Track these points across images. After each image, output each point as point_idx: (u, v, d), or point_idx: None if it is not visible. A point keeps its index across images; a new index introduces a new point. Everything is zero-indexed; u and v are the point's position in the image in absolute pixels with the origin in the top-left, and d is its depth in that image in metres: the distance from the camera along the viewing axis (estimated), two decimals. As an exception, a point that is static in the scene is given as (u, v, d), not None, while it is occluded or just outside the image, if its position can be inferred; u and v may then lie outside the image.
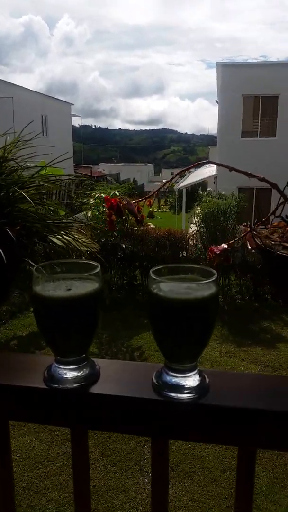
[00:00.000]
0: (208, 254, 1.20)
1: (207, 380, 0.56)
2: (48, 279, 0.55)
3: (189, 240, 7.96)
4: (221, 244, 1.22)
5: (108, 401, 0.54)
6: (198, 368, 0.56)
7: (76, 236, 0.99)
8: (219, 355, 5.58)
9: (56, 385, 0.56)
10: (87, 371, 0.58)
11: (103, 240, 7.54)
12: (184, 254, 7.80)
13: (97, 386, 0.56)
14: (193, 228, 9.71)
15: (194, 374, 0.55)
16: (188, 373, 0.55)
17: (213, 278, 0.52)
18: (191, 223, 11.79)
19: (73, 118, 31.86)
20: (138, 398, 0.53)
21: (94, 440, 3.83)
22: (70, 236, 0.97)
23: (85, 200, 8.21)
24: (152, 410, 0.53)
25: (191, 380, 0.55)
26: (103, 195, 7.61)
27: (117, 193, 7.63)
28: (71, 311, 0.54)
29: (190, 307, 0.51)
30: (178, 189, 17.23)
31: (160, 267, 0.55)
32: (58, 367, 0.57)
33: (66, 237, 0.97)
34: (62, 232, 0.97)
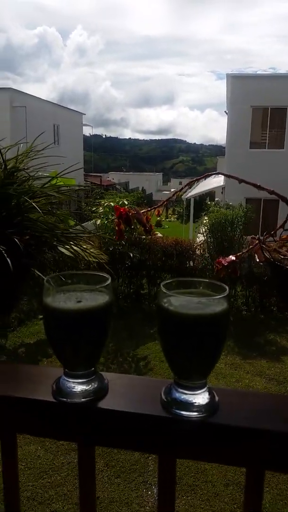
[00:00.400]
0: (216, 266, 1.19)
1: (216, 398, 0.55)
2: (59, 290, 0.55)
3: (196, 250, 7.95)
4: (229, 255, 1.22)
5: (116, 417, 0.53)
6: (207, 385, 0.55)
7: (84, 246, 0.99)
8: (224, 367, 5.53)
9: (64, 399, 0.55)
10: (95, 385, 0.57)
11: (111, 249, 7.56)
12: (191, 263, 7.78)
13: (106, 401, 0.55)
14: (200, 238, 9.70)
15: (203, 391, 0.54)
16: (197, 391, 0.54)
17: (225, 294, 0.52)
18: (199, 233, 11.79)
19: (84, 128, 32.23)
20: (146, 415, 0.52)
21: (98, 450, 3.80)
22: (79, 246, 0.98)
23: (94, 208, 8.25)
24: (160, 427, 0.52)
25: (201, 398, 0.53)
26: (112, 204, 7.64)
27: (126, 202, 7.65)
28: (81, 323, 0.54)
29: (202, 323, 0.50)
30: (186, 198, 17.27)
31: (171, 280, 0.54)
32: (67, 380, 0.57)
33: (75, 247, 0.97)
34: (71, 242, 0.97)
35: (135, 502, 3.36)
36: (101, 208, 7.46)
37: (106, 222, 7.43)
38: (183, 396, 0.53)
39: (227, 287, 0.52)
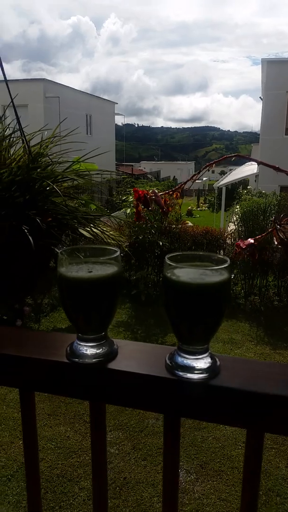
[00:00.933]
0: (235, 249, 1.21)
1: (218, 363, 0.59)
2: (72, 262, 0.60)
3: (227, 238, 7.86)
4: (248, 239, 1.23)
5: (124, 377, 0.58)
6: (209, 351, 0.59)
7: (104, 229, 1.04)
8: (253, 357, 5.50)
9: (76, 359, 0.61)
10: (106, 349, 0.63)
11: (140, 237, 7.62)
12: (222, 253, 7.72)
13: (115, 363, 0.60)
14: (232, 226, 9.57)
15: (205, 356, 0.58)
16: (199, 355, 0.58)
17: (226, 265, 0.55)
18: (230, 222, 11.62)
19: (116, 117, 32.29)
20: (151, 376, 0.56)
21: (126, 434, 3.92)
22: (98, 228, 1.02)
23: (125, 197, 8.31)
24: (164, 388, 0.57)
25: (202, 362, 0.57)
26: (147, 191, 7.66)
27: (156, 191, 7.66)
28: (92, 291, 0.59)
29: (203, 292, 0.54)
30: (218, 187, 17.01)
31: (176, 254, 0.58)
32: (79, 344, 0.62)
33: (95, 230, 1.02)
34: (91, 224, 1.02)
35: (160, 484, 3.43)
36: (131, 197, 7.52)
37: (134, 210, 7.47)
38: (186, 361, 0.57)
39: (228, 259, 0.56)
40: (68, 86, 23.33)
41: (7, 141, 1.12)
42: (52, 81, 21.68)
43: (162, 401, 0.58)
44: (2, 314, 5.55)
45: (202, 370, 0.57)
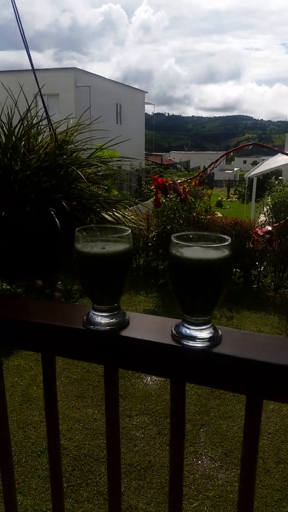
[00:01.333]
0: (252, 236, 1.24)
1: (219, 333, 0.64)
2: (88, 239, 0.66)
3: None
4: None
5: (134, 344, 0.64)
6: (212, 323, 0.64)
7: (125, 213, 1.10)
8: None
9: (92, 327, 0.67)
10: (118, 319, 0.69)
11: (168, 227, 7.64)
12: (251, 244, 7.63)
13: (126, 331, 0.66)
14: (262, 218, 9.43)
15: (208, 327, 0.63)
16: (202, 326, 0.63)
17: (227, 243, 0.60)
18: (260, 213, 11.43)
19: (146, 106, 32.11)
20: (159, 343, 0.62)
21: (152, 419, 4.01)
22: (120, 212, 1.08)
23: (153, 187, 8.33)
24: (170, 354, 0.62)
25: (205, 333, 0.63)
26: (166, 179, 7.67)
27: (175, 179, 7.63)
28: (105, 266, 0.65)
29: (203, 266, 0.58)
30: (249, 177, 16.70)
31: (182, 233, 0.63)
32: (94, 314, 0.69)
33: (116, 214, 1.08)
34: (113, 209, 1.08)
35: (185, 470, 3.50)
36: (159, 187, 7.54)
37: (164, 200, 7.50)
38: (189, 331, 0.63)
39: (229, 238, 0.60)
40: (98, 75, 23.36)
41: (35, 129, 1.19)
42: (82, 70, 21.77)
43: (169, 367, 0.64)
44: (34, 299, 5.74)
45: (205, 339, 0.62)
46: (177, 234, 0.62)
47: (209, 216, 8.53)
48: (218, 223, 7.88)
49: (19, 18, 1.15)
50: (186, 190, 1.16)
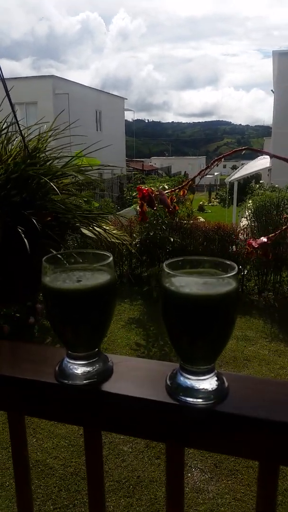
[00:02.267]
0: (246, 248, 1.13)
1: (226, 384, 0.51)
2: (60, 270, 0.53)
3: (239, 234, 7.73)
4: (260, 237, 1.15)
5: (120, 401, 0.51)
6: (216, 371, 0.51)
7: (107, 228, 0.98)
8: (268, 353, 5.41)
9: (66, 381, 0.54)
10: (99, 367, 0.55)
11: (151, 234, 7.54)
12: (234, 248, 7.60)
13: (109, 384, 0.53)
14: (244, 222, 9.43)
15: (211, 377, 0.50)
16: (204, 376, 0.50)
17: (233, 273, 0.47)
18: (242, 217, 11.45)
19: (126, 113, 32.18)
20: (149, 400, 0.49)
21: (137, 432, 3.87)
22: (101, 227, 0.96)
23: (135, 194, 8.23)
24: (165, 414, 0.50)
25: (208, 384, 0.50)
26: (153, 189, 7.59)
27: (166, 187, 7.57)
28: (80, 303, 0.52)
29: (205, 304, 0.46)
30: (230, 181, 16.81)
31: (177, 259, 0.50)
32: (69, 362, 0.55)
33: (97, 229, 0.96)
34: (94, 223, 0.96)
35: (174, 484, 3.38)
36: (141, 193, 7.44)
37: (152, 210, 7.40)
38: (189, 382, 0.50)
39: (236, 266, 0.48)
40: (77, 83, 23.28)
41: (4, 136, 1.06)
42: (61, 77, 21.65)
43: (163, 428, 0.51)
44: (15, 312, 5.55)
45: (208, 393, 0.49)
46: (170, 261, 0.49)
47: (192, 221, 8.48)
48: (201, 228, 7.85)
49: None
50: (174, 200, 1.04)
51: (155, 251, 7.62)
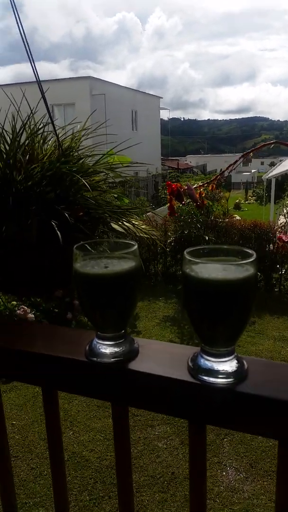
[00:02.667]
0: (277, 242, 1.14)
1: (245, 366, 0.53)
2: (89, 257, 0.57)
3: (277, 232, 7.55)
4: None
5: (145, 379, 0.55)
6: (236, 354, 0.54)
7: (135, 223, 1.01)
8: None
9: (95, 359, 0.58)
10: (125, 348, 0.60)
11: (186, 232, 7.53)
12: (271, 247, 7.44)
13: (135, 363, 0.57)
14: (282, 220, 9.20)
15: (231, 359, 0.53)
16: (224, 358, 0.53)
17: (251, 259, 0.50)
18: (280, 215, 11.18)
19: (161, 112, 32.17)
20: (172, 379, 0.53)
21: (174, 428, 3.90)
22: (130, 222, 1.00)
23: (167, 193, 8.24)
24: (186, 392, 0.53)
25: (228, 365, 0.52)
26: (181, 184, 7.59)
27: (190, 184, 7.51)
28: (107, 287, 0.56)
29: (225, 289, 0.49)
30: (267, 178, 16.42)
31: (198, 248, 0.53)
32: (98, 342, 0.60)
33: (127, 224, 1.00)
34: (123, 219, 1.00)
35: (209, 481, 3.38)
36: (176, 191, 7.44)
37: (181, 205, 7.39)
38: (209, 363, 0.52)
39: (254, 253, 0.50)
40: (113, 83, 23.54)
41: (40, 136, 1.12)
42: (98, 78, 21.97)
43: (186, 406, 0.54)
44: (54, 307, 5.73)
45: (228, 374, 0.52)
46: (191, 249, 0.52)
47: (227, 220, 8.38)
48: (237, 226, 7.73)
49: (23, 32, 1.09)
50: (203, 195, 1.06)
51: (190, 250, 7.61)
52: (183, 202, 0.96)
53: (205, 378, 0.52)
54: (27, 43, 1.12)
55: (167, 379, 0.53)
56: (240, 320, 0.52)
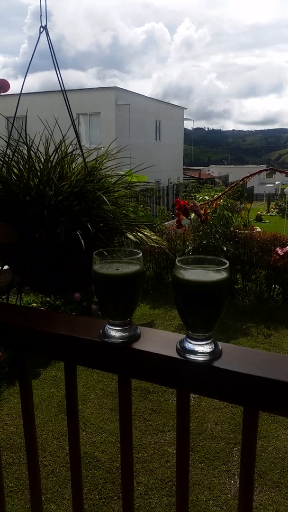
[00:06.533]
0: (273, 255, 1.28)
1: (220, 348, 0.70)
2: (105, 261, 0.75)
3: (296, 245, 7.57)
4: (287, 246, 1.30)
5: (144, 356, 0.72)
6: (213, 338, 0.70)
7: (148, 234, 1.18)
8: None
9: (106, 339, 0.76)
10: (130, 333, 0.78)
11: (204, 242, 7.65)
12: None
13: (137, 344, 0.74)
14: (302, 233, 9.19)
15: (209, 343, 0.70)
16: (204, 341, 0.69)
17: (225, 266, 0.66)
18: (301, 228, 11.17)
19: (186, 122, 32.45)
20: (165, 356, 0.69)
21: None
22: (143, 233, 1.17)
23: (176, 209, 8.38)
24: (176, 367, 0.69)
25: (207, 347, 0.69)
26: (206, 198, 7.73)
27: (207, 197, 7.64)
28: (118, 285, 0.74)
29: (203, 288, 0.65)
30: (289, 191, 16.35)
31: (186, 257, 0.70)
32: (109, 327, 0.78)
33: (140, 234, 1.17)
34: (137, 230, 1.17)
35: (217, 488, 3.46)
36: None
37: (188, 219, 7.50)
38: (192, 345, 0.69)
39: (227, 261, 0.66)
40: (138, 93, 23.94)
41: (69, 157, 1.31)
42: (123, 89, 22.41)
43: (174, 378, 0.70)
44: (72, 310, 5.97)
45: (206, 354, 0.68)
46: (181, 258, 0.69)
47: (246, 231, 8.45)
48: (256, 238, 7.78)
49: (51, 43, 1.27)
50: (208, 212, 1.22)
51: (208, 260, 7.69)
52: (189, 217, 1.12)
53: (189, 356, 0.68)
54: (56, 62, 1.30)
55: (161, 356, 0.69)
56: (216, 312, 0.69)
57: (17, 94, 1.31)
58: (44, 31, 1.21)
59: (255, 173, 1.14)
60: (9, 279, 1.24)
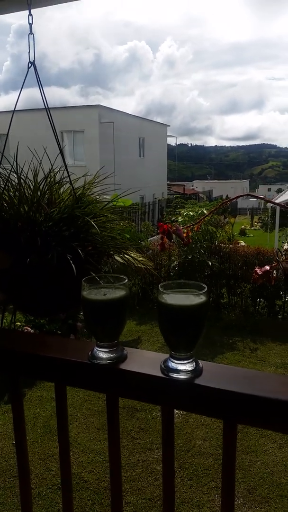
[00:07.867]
0: (253, 275, 1.36)
1: (201, 366, 0.75)
2: (93, 287, 0.80)
3: (281, 259, 7.71)
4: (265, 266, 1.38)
5: (130, 376, 0.77)
6: (194, 357, 0.76)
7: (133, 255, 1.24)
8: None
9: (95, 361, 0.81)
10: (117, 354, 0.83)
11: (189, 257, 7.74)
12: (274, 273, 7.58)
13: (123, 364, 0.79)
14: (286, 246, 9.39)
15: (190, 361, 0.76)
16: (185, 361, 0.75)
17: (204, 291, 0.72)
18: (284, 242, 11.40)
19: (169, 138, 32.97)
20: (150, 375, 0.75)
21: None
22: (130, 255, 1.23)
23: (174, 218, 8.50)
24: (160, 385, 0.74)
25: (188, 366, 0.75)
26: (191, 213, 7.85)
27: (205, 211, 7.77)
28: (106, 309, 0.80)
29: (184, 311, 0.71)
30: (271, 206, 16.71)
31: (168, 282, 0.76)
32: (98, 349, 0.83)
33: (127, 256, 1.23)
34: (124, 252, 1.23)
35: (206, 506, 3.44)
36: (180, 218, 7.70)
37: (185, 230, 7.60)
38: (175, 365, 0.75)
39: (205, 286, 0.73)
40: (121, 111, 24.29)
41: (57, 185, 1.37)
42: (106, 107, 22.72)
43: (158, 396, 0.76)
44: (57, 329, 5.94)
45: (187, 372, 0.74)
46: (163, 283, 0.76)
47: (231, 246, 8.58)
48: (240, 253, 7.90)
49: (39, 78, 1.34)
50: (189, 234, 1.29)
51: (194, 275, 7.78)
52: (172, 240, 1.18)
53: (172, 374, 0.74)
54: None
55: (147, 376, 0.75)
56: (196, 333, 0.74)
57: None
58: (32, 66, 1.28)
59: (233, 199, 1.22)
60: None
